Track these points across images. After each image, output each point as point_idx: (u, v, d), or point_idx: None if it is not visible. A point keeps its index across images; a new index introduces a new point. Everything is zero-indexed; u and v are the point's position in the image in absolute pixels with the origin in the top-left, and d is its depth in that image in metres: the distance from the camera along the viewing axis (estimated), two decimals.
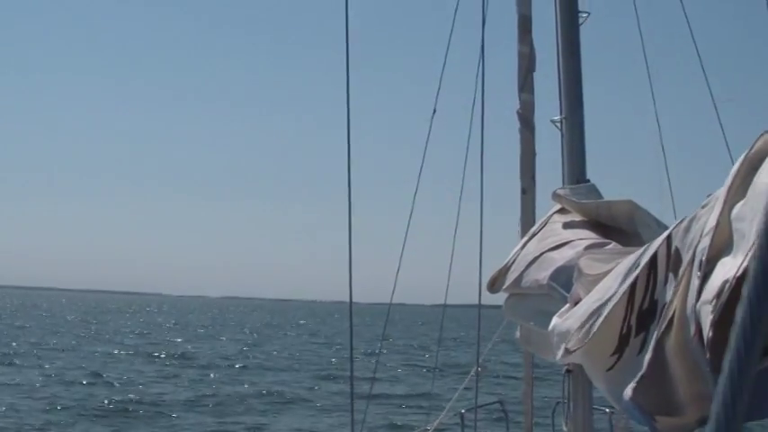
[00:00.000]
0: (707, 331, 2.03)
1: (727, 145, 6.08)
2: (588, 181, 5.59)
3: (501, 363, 37.05)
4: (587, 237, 4.82)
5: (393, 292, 7.45)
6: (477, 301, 6.06)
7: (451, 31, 7.10)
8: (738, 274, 1.98)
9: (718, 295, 2.03)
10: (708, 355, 2.04)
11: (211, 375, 36.36)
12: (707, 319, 2.04)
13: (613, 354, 3.17)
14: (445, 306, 8.21)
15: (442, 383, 23.06)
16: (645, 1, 7.01)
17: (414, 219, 7.43)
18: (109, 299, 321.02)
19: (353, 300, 5.44)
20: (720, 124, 6.44)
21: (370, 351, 43.31)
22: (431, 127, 7.05)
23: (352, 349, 6.27)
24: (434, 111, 7.08)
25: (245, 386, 32.45)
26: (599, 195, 5.37)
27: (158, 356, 44.96)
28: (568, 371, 5.32)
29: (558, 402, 6.95)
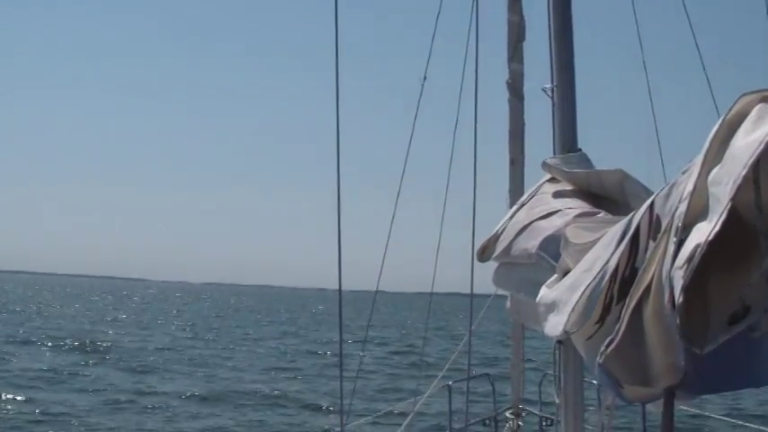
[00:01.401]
0: (677, 297, 1.99)
1: (718, 110, 6.02)
2: (579, 150, 5.53)
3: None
4: (577, 206, 4.78)
5: (379, 279, 7.34)
6: (460, 290, 6.04)
7: None
8: (710, 239, 1.94)
9: (689, 260, 1.99)
10: (678, 321, 2.00)
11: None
12: (678, 284, 2.00)
13: (597, 322, 3.13)
14: (432, 293, 8.07)
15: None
16: None
17: (399, 206, 7.30)
18: (92, 283, 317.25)
19: (334, 287, 5.38)
20: (710, 89, 6.37)
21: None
22: (421, 94, 6.97)
23: (341, 332, 6.23)
24: (425, 77, 7.01)
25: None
26: (590, 165, 5.32)
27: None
28: (559, 341, 5.29)
29: (545, 374, 6.95)
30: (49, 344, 39.41)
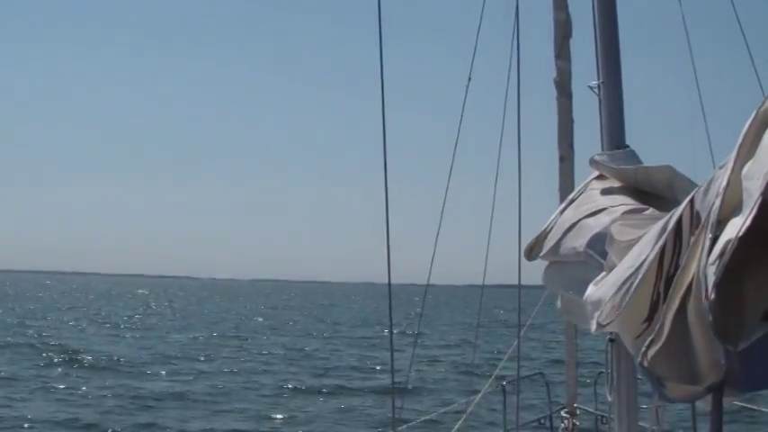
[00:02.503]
0: (710, 293, 1.98)
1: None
2: (627, 146, 5.49)
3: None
4: (625, 203, 4.75)
5: (430, 273, 7.32)
6: (510, 281, 6.01)
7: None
8: (741, 234, 1.93)
9: (721, 255, 1.98)
10: (711, 318, 1.99)
11: None
12: (711, 280, 1.99)
13: (644, 321, 3.11)
14: (483, 286, 8.02)
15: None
16: None
17: (448, 197, 7.29)
18: (140, 282, 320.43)
19: (379, 281, 5.39)
20: (760, 85, 6.27)
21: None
22: (466, 94, 6.97)
23: (392, 333, 6.24)
24: (470, 78, 7.00)
25: None
26: (638, 161, 5.27)
27: None
28: (611, 340, 5.25)
29: (600, 372, 6.89)
30: None
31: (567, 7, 5.97)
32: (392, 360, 6.19)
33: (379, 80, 5.29)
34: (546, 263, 5.22)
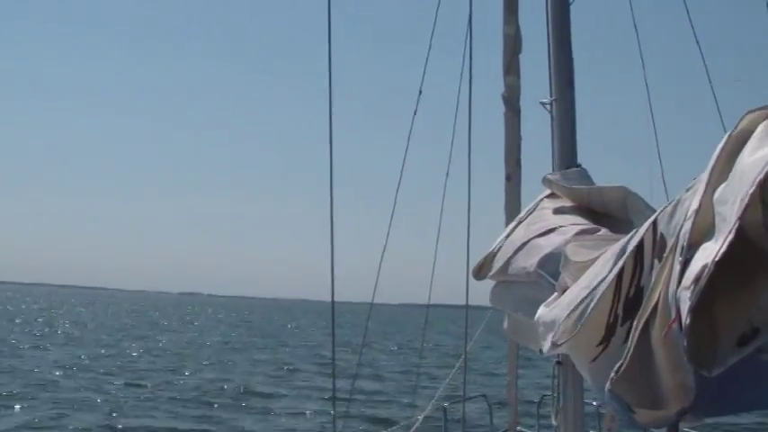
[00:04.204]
0: (684, 318, 1.92)
1: (724, 127, 5.91)
2: (579, 166, 5.44)
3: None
4: (577, 222, 4.69)
5: (375, 290, 7.02)
6: (458, 302, 5.93)
7: (437, 10, 6.90)
8: (717, 259, 1.87)
9: (696, 280, 1.92)
10: (685, 343, 1.94)
11: None
12: (685, 305, 1.93)
13: (599, 344, 3.06)
14: (429, 305, 7.82)
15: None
16: None
17: (395, 219, 7.08)
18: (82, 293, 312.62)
19: (318, 299, 5.26)
20: (717, 105, 6.26)
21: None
22: (416, 109, 6.86)
23: (334, 345, 6.12)
24: (420, 92, 6.91)
25: None
26: (590, 181, 5.23)
27: None
28: (558, 362, 5.20)
29: (543, 395, 6.84)
30: None
31: (516, 22, 5.90)
32: (333, 378, 6.08)
33: (328, 96, 5.21)
34: (493, 282, 5.14)
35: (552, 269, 4.23)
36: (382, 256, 6.79)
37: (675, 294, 2.11)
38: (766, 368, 2.21)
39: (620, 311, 2.89)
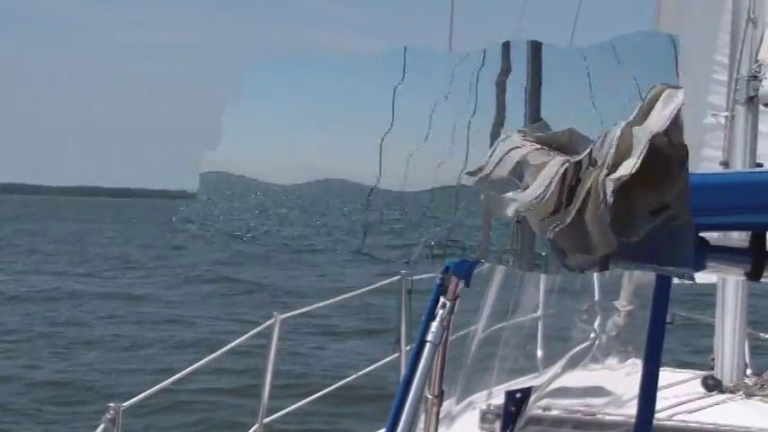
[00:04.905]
0: (609, 198, 2.86)
1: None
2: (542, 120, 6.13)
3: None
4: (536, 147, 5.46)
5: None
6: None
7: None
8: (633, 172, 2.73)
9: (618, 179, 2.86)
10: (608, 218, 2.83)
11: None
12: (609, 189, 2.89)
13: (550, 214, 3.56)
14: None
15: None
16: None
17: None
18: None
19: None
20: None
21: None
22: None
23: None
24: None
25: None
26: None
27: None
28: (518, 221, 5.03)
29: None
30: None
31: None
32: None
33: None
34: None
35: (519, 174, 5.16)
36: None
37: (603, 183, 3.00)
38: (677, 232, 2.74)
39: (564, 199, 3.52)
